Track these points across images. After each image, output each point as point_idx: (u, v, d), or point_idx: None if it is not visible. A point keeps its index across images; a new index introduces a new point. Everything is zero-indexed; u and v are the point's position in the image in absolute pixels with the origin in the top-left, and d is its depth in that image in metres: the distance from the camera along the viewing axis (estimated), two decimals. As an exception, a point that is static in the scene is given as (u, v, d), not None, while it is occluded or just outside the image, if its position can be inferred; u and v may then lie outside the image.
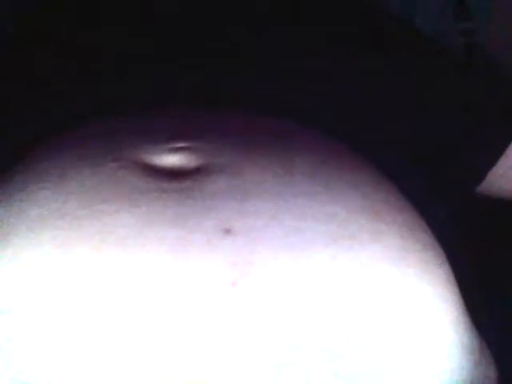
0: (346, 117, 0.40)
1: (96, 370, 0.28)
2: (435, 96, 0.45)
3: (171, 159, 0.33)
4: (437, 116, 0.44)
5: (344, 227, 0.31)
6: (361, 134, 0.38)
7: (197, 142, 0.34)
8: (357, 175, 0.34)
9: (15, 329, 0.28)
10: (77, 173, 0.32)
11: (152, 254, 0.29)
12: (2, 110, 0.40)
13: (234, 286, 0.29)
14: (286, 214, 0.31)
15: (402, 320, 0.30)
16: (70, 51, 0.44)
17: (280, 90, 0.39)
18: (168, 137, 0.34)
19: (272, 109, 0.37)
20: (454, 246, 0.36)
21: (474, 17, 0.52)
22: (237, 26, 0.45)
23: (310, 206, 0.31)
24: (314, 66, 0.42)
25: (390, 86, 0.43)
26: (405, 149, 0.40)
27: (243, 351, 0.28)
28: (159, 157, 0.33)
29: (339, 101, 0.40)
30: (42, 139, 0.37)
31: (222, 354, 0.28)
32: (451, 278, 0.34)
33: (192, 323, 0.28)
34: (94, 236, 0.30)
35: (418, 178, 0.39)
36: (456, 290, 0.33)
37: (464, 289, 0.34)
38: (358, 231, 0.31)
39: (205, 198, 0.31)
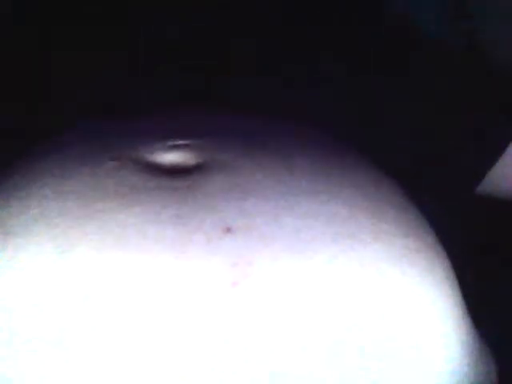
0: (347, 117, 0.40)
1: (93, 367, 0.28)
2: (435, 96, 0.45)
3: (170, 157, 0.33)
4: (437, 116, 0.44)
5: (345, 226, 0.31)
6: (361, 133, 0.38)
7: (196, 140, 0.34)
8: (358, 174, 0.34)
9: (15, 329, 0.28)
10: (76, 171, 0.32)
11: (151, 253, 0.29)
12: (2, 109, 0.40)
13: (235, 286, 0.29)
14: (287, 213, 0.31)
15: (403, 319, 0.30)
16: (70, 52, 0.44)
17: (280, 91, 0.39)
18: (167, 134, 0.34)
19: (272, 109, 0.37)
20: (454, 245, 0.36)
21: (473, 17, 0.52)
22: (237, 26, 0.45)
23: (310, 204, 0.31)
24: (315, 65, 0.42)
25: (390, 86, 0.43)
26: (405, 149, 0.40)
27: (244, 353, 0.28)
28: (158, 154, 0.33)
29: (339, 101, 0.41)
30: (42, 138, 0.37)
31: (222, 356, 0.28)
32: (452, 277, 0.34)
33: (191, 324, 0.28)
34: (93, 235, 0.30)
35: (418, 177, 0.39)
36: (457, 289, 0.33)
37: (464, 288, 0.34)
38: (359, 230, 0.31)
39: (205, 197, 0.31)
